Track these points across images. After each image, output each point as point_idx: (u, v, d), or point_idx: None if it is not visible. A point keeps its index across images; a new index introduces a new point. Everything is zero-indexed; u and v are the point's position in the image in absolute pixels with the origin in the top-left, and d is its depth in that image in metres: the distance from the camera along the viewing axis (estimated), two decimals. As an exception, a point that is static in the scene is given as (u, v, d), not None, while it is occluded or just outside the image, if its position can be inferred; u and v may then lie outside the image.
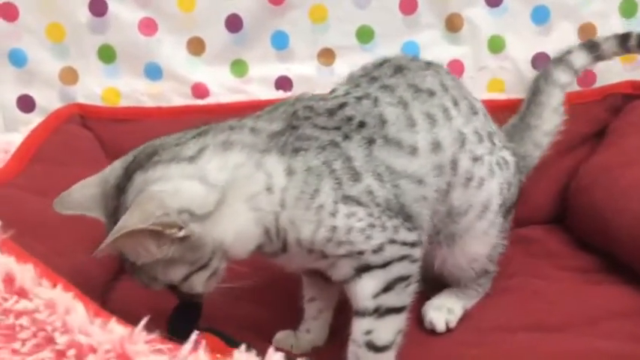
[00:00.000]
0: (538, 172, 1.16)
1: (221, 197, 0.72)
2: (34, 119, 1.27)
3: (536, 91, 1.19)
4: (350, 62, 1.33)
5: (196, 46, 1.33)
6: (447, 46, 1.34)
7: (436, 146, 0.84)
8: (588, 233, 1.10)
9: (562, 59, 1.20)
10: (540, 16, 1.32)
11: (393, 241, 0.78)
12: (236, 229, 0.74)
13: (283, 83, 1.35)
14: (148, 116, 1.26)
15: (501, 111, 1.24)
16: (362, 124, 0.80)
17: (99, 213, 0.77)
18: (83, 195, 0.79)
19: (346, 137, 0.78)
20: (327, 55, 1.34)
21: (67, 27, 1.30)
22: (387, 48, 1.33)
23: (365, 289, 0.78)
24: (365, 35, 1.33)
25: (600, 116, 1.24)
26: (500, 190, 0.91)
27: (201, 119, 1.23)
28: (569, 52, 1.20)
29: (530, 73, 1.33)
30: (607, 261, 1.06)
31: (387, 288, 0.79)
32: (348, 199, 0.76)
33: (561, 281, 1.02)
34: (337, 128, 0.79)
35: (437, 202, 0.85)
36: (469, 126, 0.89)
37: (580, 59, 1.19)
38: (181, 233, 0.70)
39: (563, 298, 0.97)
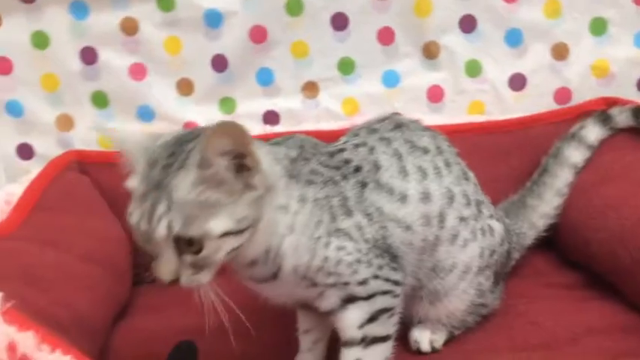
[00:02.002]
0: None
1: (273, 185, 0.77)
2: (34, 166, 1.34)
3: (542, 170, 1.19)
4: (333, 93, 1.40)
5: (185, 87, 1.39)
6: (426, 73, 1.38)
7: (425, 197, 0.88)
8: (571, 251, 1.14)
9: (574, 135, 1.19)
10: (514, 38, 1.36)
11: (377, 277, 0.83)
12: (267, 221, 0.76)
13: (270, 118, 1.40)
14: (142, 158, 1.31)
15: (483, 133, 1.30)
16: (357, 169, 0.86)
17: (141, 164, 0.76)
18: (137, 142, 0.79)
19: (344, 178, 0.85)
20: (311, 88, 1.39)
21: (61, 76, 1.36)
22: (368, 78, 1.39)
23: (351, 320, 0.84)
24: (346, 67, 1.38)
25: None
26: (480, 254, 0.94)
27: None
28: (581, 126, 1.20)
29: (508, 94, 1.39)
30: (591, 277, 1.09)
31: (372, 318, 0.84)
32: (339, 232, 0.81)
33: (545, 299, 1.06)
34: (337, 168, 0.85)
35: (424, 251, 0.89)
36: (458, 187, 0.93)
37: (594, 133, 1.19)
38: (257, 177, 0.73)
39: (546, 316, 1.00)
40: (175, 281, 0.74)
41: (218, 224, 0.71)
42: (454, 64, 1.38)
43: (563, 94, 1.38)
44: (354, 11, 1.35)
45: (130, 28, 1.33)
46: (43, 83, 1.36)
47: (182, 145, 0.75)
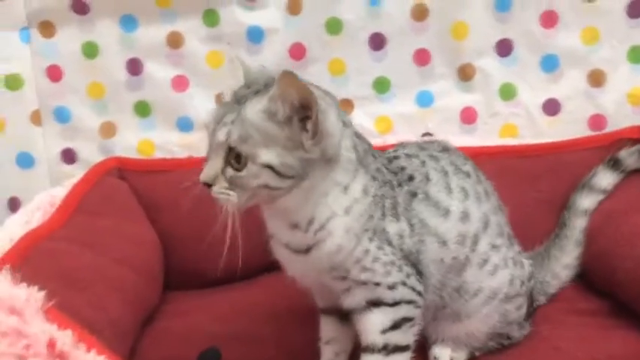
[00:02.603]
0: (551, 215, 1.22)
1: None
2: (76, 171, 1.41)
3: (561, 224, 1.21)
4: (368, 111, 1.43)
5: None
6: (460, 95, 1.40)
7: (465, 216, 0.91)
8: (597, 279, 1.13)
9: (585, 184, 1.22)
10: (550, 64, 1.37)
11: (404, 284, 0.87)
12: (315, 187, 0.81)
13: (306, 133, 1.44)
14: (180, 166, 1.35)
15: (514, 156, 1.31)
16: (411, 178, 0.91)
17: None
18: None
19: (399, 184, 0.89)
20: (346, 105, 1.42)
21: (107, 85, 1.43)
22: (402, 97, 1.41)
23: (374, 324, 0.87)
24: (382, 86, 1.41)
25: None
26: (510, 281, 0.96)
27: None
28: (594, 174, 1.22)
29: (542, 119, 1.39)
30: (616, 305, 1.09)
31: (395, 326, 0.87)
32: (384, 233, 0.86)
33: (569, 325, 1.06)
34: (394, 173, 0.90)
35: (451, 270, 0.91)
36: (494, 217, 0.96)
37: (605, 179, 1.20)
38: (310, 143, 0.77)
39: (569, 342, 1.00)
40: (208, 186, 0.80)
41: (265, 154, 0.78)
42: (488, 86, 1.39)
43: (597, 121, 1.38)
44: (391, 32, 1.38)
45: (175, 41, 1.39)
46: (89, 91, 1.43)
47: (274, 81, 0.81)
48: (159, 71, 1.42)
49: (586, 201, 1.20)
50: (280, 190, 0.80)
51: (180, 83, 1.42)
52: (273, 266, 1.27)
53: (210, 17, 1.38)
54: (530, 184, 1.26)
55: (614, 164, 1.21)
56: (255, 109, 0.78)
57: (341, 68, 1.41)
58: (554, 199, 1.24)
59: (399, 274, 0.86)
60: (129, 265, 1.14)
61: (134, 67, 1.41)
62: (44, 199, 1.18)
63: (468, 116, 1.40)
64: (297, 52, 1.39)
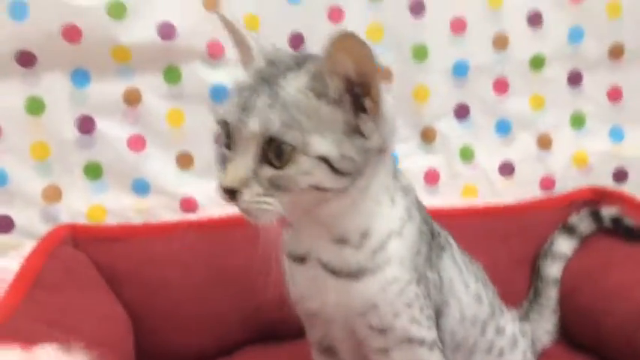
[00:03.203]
0: (523, 274, 1.25)
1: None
2: (13, 241, 1.25)
3: (535, 292, 1.23)
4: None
5: (185, 160, 1.35)
6: (423, 156, 1.43)
7: (478, 298, 0.88)
8: (580, 336, 1.17)
9: (547, 253, 1.25)
10: (503, 127, 1.45)
11: (439, 347, 0.79)
12: (369, 188, 0.70)
13: (271, 194, 1.39)
14: (139, 234, 1.25)
15: (477, 216, 1.35)
16: (438, 234, 0.84)
17: None
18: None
19: (431, 233, 0.81)
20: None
21: (53, 145, 1.29)
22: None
23: None
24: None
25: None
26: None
27: (194, 235, 1.28)
28: (551, 242, 1.25)
29: (498, 180, 1.46)
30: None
31: None
32: (425, 279, 0.76)
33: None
34: (425, 222, 0.81)
35: (457, 351, 0.86)
36: (497, 301, 0.94)
37: (565, 245, 1.24)
38: (370, 125, 0.65)
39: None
40: (234, 194, 0.63)
41: (320, 142, 0.62)
42: (449, 148, 1.44)
43: (547, 182, 1.46)
44: None
45: (132, 98, 1.30)
46: (32, 151, 1.28)
47: (305, 57, 0.69)
48: (113, 129, 1.31)
49: (553, 269, 1.24)
50: (331, 193, 0.65)
51: (136, 143, 1.32)
52: (257, 337, 1.22)
53: (172, 74, 1.31)
54: (502, 243, 1.30)
55: (569, 231, 1.27)
56: (298, 86, 0.63)
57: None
58: (524, 257, 1.29)
59: (436, 334, 0.78)
60: (98, 343, 1.01)
61: (85, 124, 1.29)
62: (-8, 274, 1.04)
63: (432, 177, 1.43)
64: (263, 112, 1.36)
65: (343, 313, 0.75)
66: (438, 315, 0.81)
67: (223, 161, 0.68)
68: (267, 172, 0.64)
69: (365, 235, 0.71)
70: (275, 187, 0.64)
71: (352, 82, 0.64)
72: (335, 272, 0.73)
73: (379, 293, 0.72)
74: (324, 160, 0.63)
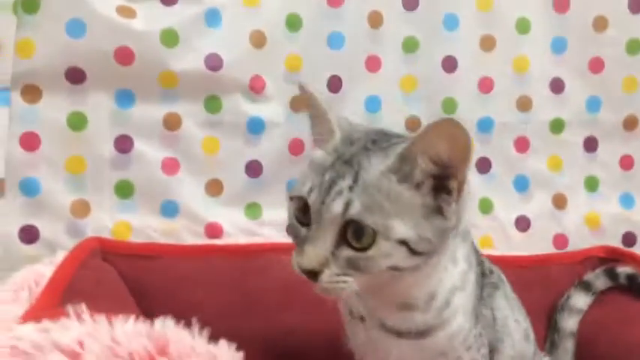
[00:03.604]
0: (542, 324, 1.27)
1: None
2: (35, 251, 1.26)
3: (552, 344, 1.25)
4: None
5: (215, 188, 1.38)
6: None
7: (527, 335, 0.90)
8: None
9: (564, 306, 1.27)
10: (521, 184, 1.51)
11: None
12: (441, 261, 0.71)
13: (295, 228, 1.41)
14: (168, 253, 1.25)
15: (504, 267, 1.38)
16: (491, 271, 0.87)
17: None
18: None
19: (483, 273, 0.83)
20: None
21: (89, 160, 1.31)
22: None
23: None
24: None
25: (582, 276, 1.39)
26: None
27: (219, 259, 1.29)
28: (568, 297, 1.28)
29: (514, 233, 1.50)
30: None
31: None
32: (482, 317, 0.78)
33: None
34: (478, 263, 0.83)
35: None
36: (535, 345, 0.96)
37: (581, 300, 1.26)
38: (454, 207, 0.65)
39: None
40: (313, 275, 0.64)
41: (401, 226, 0.63)
42: (470, 200, 1.48)
43: (560, 240, 1.51)
44: None
45: (172, 123, 1.34)
46: (67, 165, 1.31)
47: (387, 136, 0.70)
48: (149, 151, 1.34)
49: (570, 322, 1.26)
50: (406, 270, 0.66)
51: (170, 166, 1.35)
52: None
53: (213, 103, 1.36)
54: (524, 293, 1.32)
55: (586, 287, 1.30)
56: (382, 170, 0.64)
57: (335, 168, 1.43)
58: (543, 308, 1.31)
59: None
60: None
61: (123, 144, 1.32)
62: (28, 276, 1.03)
63: (451, 226, 1.47)
64: (296, 147, 1.40)
65: None
66: (492, 352, 0.83)
67: (295, 235, 0.70)
68: (346, 252, 0.65)
69: (431, 298, 0.73)
70: (353, 267, 0.65)
71: (441, 165, 0.65)
72: (400, 334, 0.75)
73: (446, 344, 0.75)
74: (404, 242, 0.64)
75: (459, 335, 0.76)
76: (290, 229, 0.71)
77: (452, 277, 0.75)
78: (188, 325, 1.06)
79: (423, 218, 0.65)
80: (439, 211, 0.66)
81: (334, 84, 1.40)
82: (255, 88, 1.36)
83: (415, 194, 0.65)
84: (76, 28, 1.25)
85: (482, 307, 0.80)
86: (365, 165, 0.65)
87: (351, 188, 0.64)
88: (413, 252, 0.65)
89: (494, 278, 0.87)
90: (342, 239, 0.65)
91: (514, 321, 0.87)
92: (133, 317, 0.70)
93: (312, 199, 0.66)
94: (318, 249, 0.65)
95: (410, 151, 0.64)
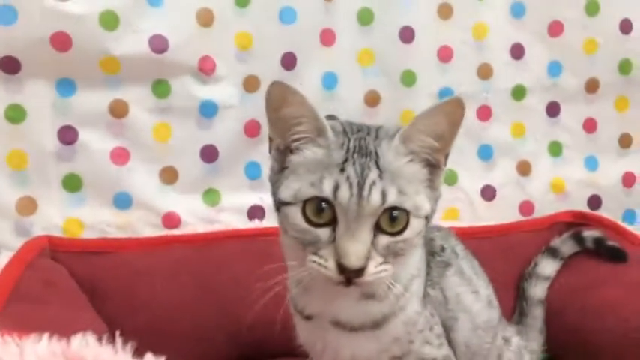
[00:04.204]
0: (507, 294, 1.26)
1: None
2: None
3: (521, 313, 1.25)
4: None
5: (169, 176, 1.32)
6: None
7: (490, 303, 0.90)
8: (568, 354, 1.18)
9: (531, 274, 1.26)
10: (485, 153, 1.48)
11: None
12: None
13: (256, 212, 1.36)
14: (120, 248, 1.20)
15: (464, 239, 1.35)
16: (442, 249, 0.86)
17: None
18: None
19: (431, 253, 0.83)
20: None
21: (31, 155, 1.24)
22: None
23: None
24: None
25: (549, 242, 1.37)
26: None
27: (177, 250, 1.24)
28: (535, 264, 1.27)
29: (480, 204, 1.48)
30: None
31: None
32: (429, 298, 0.79)
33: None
34: (426, 244, 0.83)
35: None
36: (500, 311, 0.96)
37: (548, 267, 1.25)
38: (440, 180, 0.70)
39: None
40: (358, 272, 0.63)
41: (425, 202, 0.67)
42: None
43: (526, 207, 1.50)
44: (345, 115, 1.35)
45: (119, 110, 1.27)
46: (9, 161, 1.23)
47: (377, 128, 0.73)
48: (96, 141, 1.27)
49: (538, 290, 1.25)
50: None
51: (120, 155, 1.29)
52: (243, 356, 1.17)
53: (161, 87, 1.29)
54: (486, 264, 1.30)
55: (552, 253, 1.29)
56: (394, 154, 0.68)
57: (295, 148, 1.39)
58: (508, 277, 1.30)
59: (447, 348, 0.80)
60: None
61: (67, 135, 1.25)
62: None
63: (416, 200, 1.44)
64: (252, 129, 1.35)
65: (360, 357, 0.77)
66: (448, 330, 0.82)
67: (312, 240, 0.68)
68: (384, 240, 0.67)
69: (391, 285, 0.72)
70: (391, 253, 0.67)
71: (438, 139, 0.69)
72: (354, 328, 0.75)
73: (401, 330, 0.75)
74: (427, 217, 0.69)
75: (413, 320, 0.76)
76: (299, 236, 0.67)
77: (413, 262, 0.76)
78: (141, 325, 1.02)
79: (430, 191, 0.70)
80: (432, 184, 0.71)
81: (288, 61, 1.34)
82: (205, 70, 1.30)
83: (421, 170, 0.70)
84: (7, 14, 1.17)
85: (429, 289, 0.80)
86: (380, 153, 0.68)
87: (380, 177, 0.66)
88: (426, 226, 0.70)
89: (445, 256, 0.86)
90: (377, 228, 0.67)
91: (472, 293, 0.86)
92: (46, 336, 0.64)
93: (343, 197, 0.65)
94: (361, 244, 0.65)
95: (412, 131, 0.68)
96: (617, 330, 1.07)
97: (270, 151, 0.75)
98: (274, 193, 0.71)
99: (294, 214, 0.67)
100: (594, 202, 1.53)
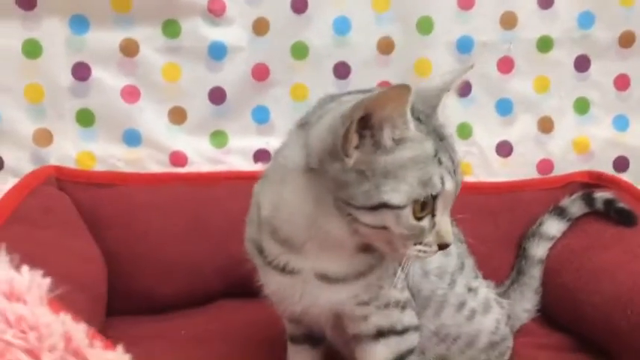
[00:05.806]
0: (509, 251, 1.23)
1: None
2: (0, 180, 1.25)
3: (519, 271, 1.22)
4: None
5: (178, 116, 1.35)
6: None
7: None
8: (561, 314, 1.15)
9: (535, 233, 1.23)
10: (504, 107, 1.42)
11: (411, 306, 0.83)
12: None
13: (262, 156, 1.37)
14: (124, 181, 1.25)
15: (474, 193, 1.32)
16: None
17: None
18: None
19: None
20: (305, 132, 1.38)
21: (47, 89, 1.29)
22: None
23: (379, 356, 0.81)
24: (343, 115, 1.39)
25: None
26: (495, 328, 0.95)
27: (179, 187, 1.27)
28: (540, 223, 1.24)
29: (495, 159, 1.43)
30: (579, 340, 1.10)
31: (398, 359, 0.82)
32: None
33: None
34: None
35: (426, 307, 0.88)
36: (468, 260, 0.96)
37: (553, 227, 1.22)
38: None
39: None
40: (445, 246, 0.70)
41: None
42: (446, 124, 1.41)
43: (545, 165, 1.43)
44: (356, 63, 1.37)
45: (129, 49, 1.30)
46: (26, 93, 1.29)
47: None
48: (108, 78, 1.31)
49: (539, 250, 1.22)
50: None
51: (130, 94, 1.32)
52: (231, 291, 1.21)
53: (171, 28, 1.30)
54: (489, 221, 1.27)
55: (560, 213, 1.24)
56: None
57: (303, 94, 1.38)
58: (512, 236, 1.26)
59: (407, 294, 0.82)
60: (70, 281, 1.00)
61: (80, 71, 1.29)
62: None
63: (426, 152, 1.41)
64: (260, 73, 1.34)
65: (335, 304, 0.79)
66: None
67: (418, 233, 0.70)
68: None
69: None
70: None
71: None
72: (336, 280, 0.76)
73: (377, 276, 0.78)
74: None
75: (386, 266, 0.78)
76: (406, 233, 0.69)
77: None
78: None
79: None
80: None
81: (298, 4, 1.32)
82: (215, 11, 1.30)
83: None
84: (22, -50, 1.21)
85: None
86: (446, 133, 0.73)
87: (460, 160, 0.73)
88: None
89: None
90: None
91: None
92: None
93: (449, 188, 0.69)
94: (449, 224, 0.71)
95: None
96: (610, 292, 1.03)
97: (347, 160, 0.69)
98: (369, 198, 0.67)
99: (407, 214, 0.67)
100: (621, 163, 1.44)
